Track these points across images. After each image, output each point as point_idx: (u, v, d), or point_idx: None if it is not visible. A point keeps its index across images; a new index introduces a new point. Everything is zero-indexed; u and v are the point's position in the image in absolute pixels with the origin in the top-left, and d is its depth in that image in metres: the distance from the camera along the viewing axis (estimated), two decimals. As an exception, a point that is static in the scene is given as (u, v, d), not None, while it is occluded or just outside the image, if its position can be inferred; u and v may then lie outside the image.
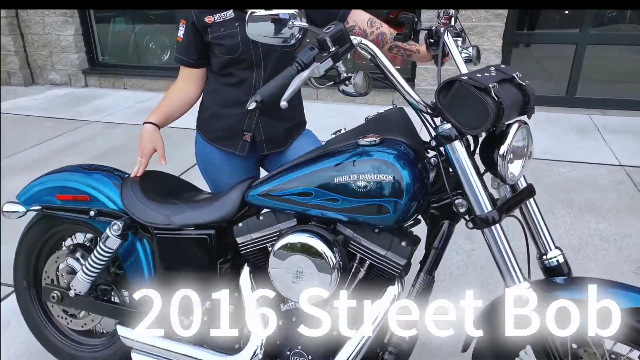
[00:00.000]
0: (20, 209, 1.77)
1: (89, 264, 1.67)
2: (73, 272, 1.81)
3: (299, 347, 1.43)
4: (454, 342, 2.03)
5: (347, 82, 1.23)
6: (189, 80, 1.78)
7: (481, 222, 1.25)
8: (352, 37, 1.22)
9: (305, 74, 1.19)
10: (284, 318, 1.49)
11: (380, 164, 1.28)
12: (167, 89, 1.83)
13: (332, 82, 1.26)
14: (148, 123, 1.75)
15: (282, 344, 1.47)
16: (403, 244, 1.35)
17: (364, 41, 1.25)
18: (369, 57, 1.27)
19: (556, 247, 1.39)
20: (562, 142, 4.12)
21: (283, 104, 1.18)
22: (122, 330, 1.62)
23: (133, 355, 1.62)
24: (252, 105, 1.21)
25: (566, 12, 5.12)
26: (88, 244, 1.89)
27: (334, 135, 1.46)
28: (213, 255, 1.53)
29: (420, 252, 1.41)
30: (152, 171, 1.77)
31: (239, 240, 1.51)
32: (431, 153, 1.36)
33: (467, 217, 1.29)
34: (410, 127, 1.38)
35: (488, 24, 4.82)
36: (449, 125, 1.24)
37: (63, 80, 6.73)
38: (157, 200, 1.62)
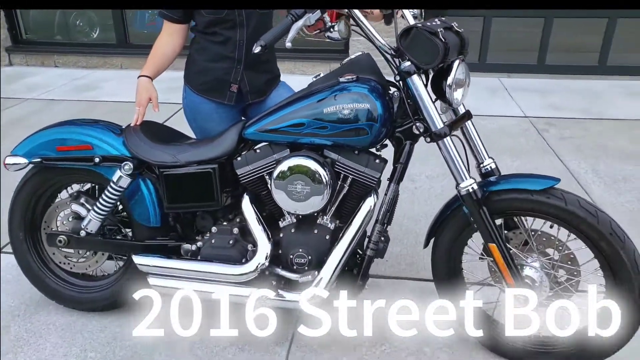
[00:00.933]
0: (22, 160, 1.90)
1: (101, 203, 1.87)
2: (78, 217, 2.00)
3: (300, 250, 1.77)
4: (411, 258, 2.45)
5: (332, 30, 1.56)
6: (173, 35, 1.99)
7: (436, 137, 1.64)
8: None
9: (300, 22, 1.51)
10: (283, 231, 1.81)
11: (358, 96, 1.63)
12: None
13: (320, 30, 1.59)
14: (142, 76, 1.97)
15: (284, 251, 1.80)
16: (377, 161, 1.72)
17: None
18: (346, 11, 1.61)
19: (489, 157, 1.83)
20: (479, 101, 4.71)
21: (288, 44, 1.49)
22: (137, 259, 1.87)
23: (150, 279, 1.86)
24: (257, 49, 1.50)
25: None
26: (89, 191, 2.08)
27: (314, 79, 1.79)
28: (217, 187, 1.81)
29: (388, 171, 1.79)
30: (149, 121, 1.99)
31: (239, 171, 1.80)
32: (393, 89, 1.73)
33: (425, 135, 1.68)
34: (376, 68, 1.73)
35: None
36: (409, 63, 1.61)
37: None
38: (160, 142, 1.87)
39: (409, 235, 2.65)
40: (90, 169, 1.93)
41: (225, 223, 1.91)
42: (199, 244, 1.90)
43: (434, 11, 5.42)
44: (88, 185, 2.11)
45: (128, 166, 1.81)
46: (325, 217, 1.80)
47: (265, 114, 1.77)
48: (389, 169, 1.76)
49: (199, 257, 1.88)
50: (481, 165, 1.83)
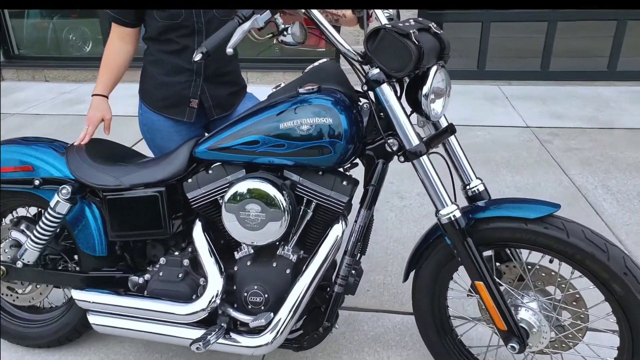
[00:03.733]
0: None
1: (38, 231, 1.67)
2: (18, 245, 1.80)
3: (255, 287, 1.54)
4: (394, 287, 2.21)
5: (285, 33, 1.34)
6: (124, 39, 1.79)
7: (411, 155, 1.41)
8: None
9: (246, 25, 1.29)
10: (239, 264, 1.58)
11: (320, 109, 1.40)
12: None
13: (272, 35, 1.37)
14: (96, 95, 1.78)
15: (238, 287, 1.57)
16: (344, 183, 1.49)
17: None
18: (302, 11, 1.39)
19: (477, 178, 1.59)
20: (476, 110, 4.47)
21: (229, 50, 1.28)
22: (76, 294, 1.65)
23: (89, 317, 1.64)
24: (198, 57, 1.29)
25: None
26: (32, 217, 1.87)
27: (274, 90, 1.57)
28: (165, 213, 1.59)
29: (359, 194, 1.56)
30: (97, 139, 1.79)
31: (190, 195, 1.58)
32: (363, 100, 1.51)
33: (398, 153, 1.45)
34: (343, 77, 1.51)
35: (404, 3, 5.06)
36: (377, 70, 1.38)
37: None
38: (104, 163, 1.66)
39: (395, 260, 2.41)
40: (31, 192, 1.72)
41: (177, 253, 1.68)
42: (147, 276, 1.68)
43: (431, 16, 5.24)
44: (35, 210, 1.90)
45: (66, 190, 1.60)
46: (286, 248, 1.57)
47: (218, 130, 1.55)
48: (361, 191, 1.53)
49: (145, 292, 1.65)
50: (467, 188, 1.59)
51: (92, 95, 1.81)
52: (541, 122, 4.17)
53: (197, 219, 1.62)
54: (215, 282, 1.55)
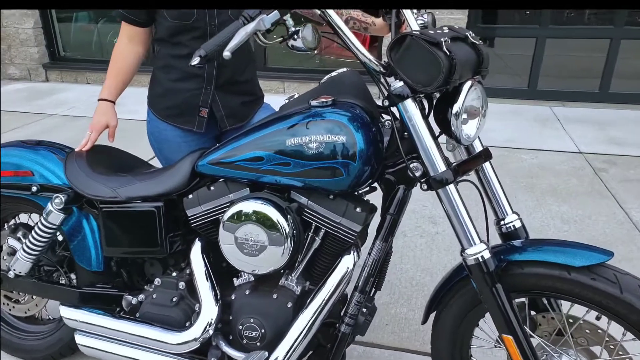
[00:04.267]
0: None
1: (30, 241, 1.57)
2: (14, 252, 1.71)
3: (252, 320, 1.37)
4: (417, 324, 2.01)
5: (295, 37, 1.18)
6: (134, 39, 1.68)
7: (435, 183, 1.21)
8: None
9: (251, 26, 1.14)
10: (237, 292, 1.42)
11: (332, 125, 1.23)
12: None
13: (281, 38, 1.21)
14: (102, 100, 1.68)
15: (234, 318, 1.41)
16: (358, 210, 1.31)
17: None
18: (319, 13, 1.23)
19: (513, 212, 1.38)
20: (524, 132, 4.17)
21: (226, 54, 1.13)
22: (64, 311, 1.53)
23: (77, 337, 1.52)
24: (195, 60, 1.16)
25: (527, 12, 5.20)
26: (33, 225, 1.78)
27: (287, 101, 1.41)
28: (162, 230, 1.46)
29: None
30: (102, 145, 1.69)
31: (189, 212, 1.44)
32: (386, 117, 1.33)
33: (422, 180, 1.26)
34: (364, 89, 1.34)
35: (451, 16, 4.85)
36: (401, 83, 1.20)
37: (22, 74, 6.50)
38: (103, 173, 1.54)
39: (420, 293, 2.20)
40: (30, 198, 1.63)
41: (174, 274, 1.55)
42: (141, 297, 1.54)
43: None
44: (37, 216, 1.81)
45: (59, 199, 1.50)
46: (290, 277, 1.40)
47: (223, 143, 1.41)
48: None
49: (137, 315, 1.51)
50: (502, 223, 1.37)
51: (98, 100, 1.71)
52: (596, 148, 3.83)
53: (197, 239, 1.48)
54: (209, 310, 1.40)
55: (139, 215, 1.47)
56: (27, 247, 1.58)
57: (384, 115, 1.35)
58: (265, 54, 5.77)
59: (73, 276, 1.70)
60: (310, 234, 1.37)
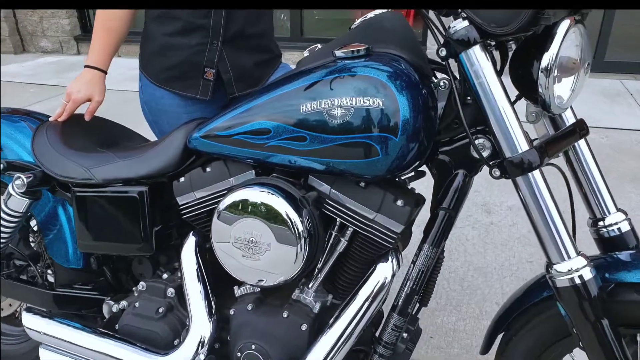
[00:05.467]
0: None
1: (-9, 230, 1.29)
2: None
3: (253, 347, 1.04)
4: (469, 337, 1.65)
5: None
6: None
7: (513, 168, 0.85)
8: None
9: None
10: (237, 305, 1.10)
11: (366, 83, 0.87)
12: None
13: None
14: (90, 67, 1.36)
15: (232, 339, 1.09)
16: (399, 203, 0.96)
17: None
18: None
19: (618, 210, 0.99)
20: (591, 108, 3.66)
21: None
22: (27, 319, 1.23)
23: (41, 350, 1.23)
24: None
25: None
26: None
27: (307, 54, 1.06)
28: (146, 221, 1.15)
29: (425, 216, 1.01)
30: (78, 114, 1.38)
31: (180, 200, 1.12)
32: (441, 75, 0.96)
33: (491, 162, 0.89)
34: (411, 37, 0.97)
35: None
36: (465, 23, 0.83)
37: (54, 47, 6.35)
38: (79, 149, 1.24)
39: (472, 297, 1.82)
40: None
41: (165, 275, 1.24)
42: (123, 304, 1.24)
43: None
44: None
45: (20, 181, 1.20)
46: (307, 289, 1.06)
47: (222, 111, 1.07)
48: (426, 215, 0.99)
49: (117, 327, 1.21)
50: (600, 225, 0.99)
51: (85, 67, 1.39)
52: (678, 127, 3.31)
53: (192, 233, 1.16)
54: (199, 327, 1.08)
55: (117, 202, 1.16)
56: (-12, 237, 1.30)
57: (438, 75, 0.98)
58: (301, 23, 5.39)
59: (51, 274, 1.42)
60: (334, 233, 1.03)
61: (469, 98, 0.91)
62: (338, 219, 1.00)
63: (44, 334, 1.20)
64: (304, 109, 0.91)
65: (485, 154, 0.91)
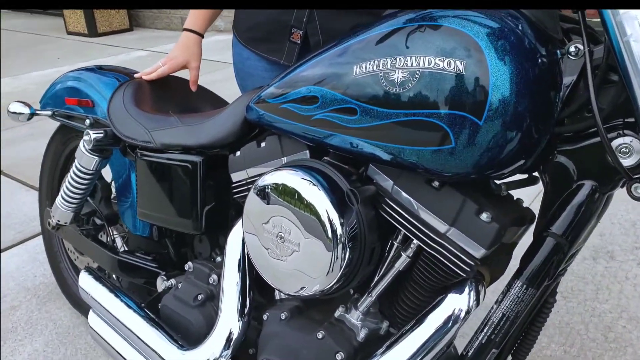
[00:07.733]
0: (26, 110, 1.43)
1: (66, 186, 1.28)
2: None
3: (279, 365, 0.85)
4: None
5: None
6: None
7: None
8: None
9: None
10: (272, 311, 0.91)
11: (449, 40, 0.62)
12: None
13: None
14: (189, 31, 1.29)
15: (258, 350, 0.90)
16: (483, 216, 0.67)
17: None
18: None
19: None
20: None
21: None
22: (83, 278, 1.19)
23: (90, 315, 1.18)
24: None
25: None
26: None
27: None
28: (197, 197, 1.02)
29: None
30: (174, 77, 1.30)
31: (234, 177, 0.97)
32: (573, 41, 0.64)
33: (635, 175, 0.56)
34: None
35: None
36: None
37: (227, 27, 6.79)
38: (149, 110, 1.15)
39: (618, 354, 1.38)
40: None
41: (218, 259, 1.10)
42: (172, 281, 1.14)
43: None
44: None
45: (89, 137, 1.15)
46: (354, 310, 0.83)
47: (281, 74, 0.88)
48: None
49: (159, 305, 1.11)
50: None
51: (183, 30, 1.31)
52: None
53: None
54: (226, 325, 0.91)
55: (170, 170, 1.05)
56: (64, 193, 1.29)
57: (566, 40, 0.67)
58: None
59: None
60: (396, 244, 0.78)
61: (612, 75, 0.59)
62: (400, 227, 0.75)
63: (92, 297, 1.15)
64: (357, 70, 0.67)
65: (627, 161, 0.58)
